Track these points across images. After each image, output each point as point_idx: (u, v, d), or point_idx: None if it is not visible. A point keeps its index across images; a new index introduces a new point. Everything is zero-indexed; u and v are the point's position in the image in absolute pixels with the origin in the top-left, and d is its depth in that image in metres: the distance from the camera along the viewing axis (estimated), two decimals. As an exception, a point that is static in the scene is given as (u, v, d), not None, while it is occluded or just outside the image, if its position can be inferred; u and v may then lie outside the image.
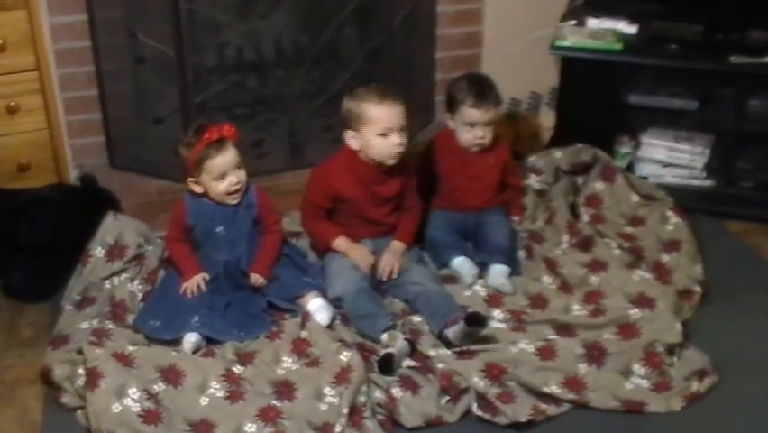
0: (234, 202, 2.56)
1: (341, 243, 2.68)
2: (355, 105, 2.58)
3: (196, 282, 2.54)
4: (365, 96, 2.58)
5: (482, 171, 2.88)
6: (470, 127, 2.82)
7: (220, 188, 2.53)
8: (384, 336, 2.43)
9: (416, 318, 2.55)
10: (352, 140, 2.62)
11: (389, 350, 2.38)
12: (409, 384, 2.32)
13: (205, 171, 2.51)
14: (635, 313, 2.52)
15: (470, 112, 2.79)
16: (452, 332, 2.42)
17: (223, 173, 2.51)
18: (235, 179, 2.53)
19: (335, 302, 2.58)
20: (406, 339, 2.43)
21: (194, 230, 2.60)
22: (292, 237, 2.82)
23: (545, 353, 2.39)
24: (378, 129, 2.56)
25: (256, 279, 2.58)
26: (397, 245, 2.71)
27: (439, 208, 2.89)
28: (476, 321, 2.39)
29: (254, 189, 2.63)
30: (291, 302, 2.59)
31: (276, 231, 2.67)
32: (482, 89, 2.80)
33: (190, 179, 2.55)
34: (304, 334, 2.48)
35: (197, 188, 2.55)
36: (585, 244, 2.84)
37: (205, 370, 2.32)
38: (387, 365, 2.35)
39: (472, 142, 2.83)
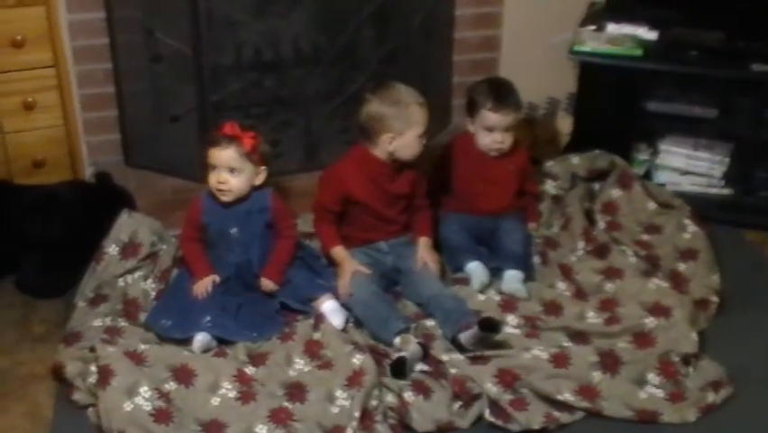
0: (223, 199, 2.57)
1: (338, 252, 2.67)
2: (403, 107, 2.60)
3: (205, 285, 2.53)
4: (411, 98, 2.61)
5: (500, 177, 2.86)
6: (489, 132, 2.80)
7: (210, 178, 2.56)
8: (397, 340, 2.42)
9: (429, 322, 2.54)
10: (389, 143, 2.61)
11: (402, 354, 2.36)
12: (421, 389, 2.31)
13: (207, 156, 2.55)
14: (650, 322, 2.49)
15: (490, 116, 2.78)
16: (465, 337, 2.40)
17: (213, 166, 2.54)
18: (222, 178, 2.54)
19: (347, 307, 2.57)
20: (418, 343, 2.41)
21: (208, 230, 2.60)
22: (306, 239, 2.81)
23: (559, 360, 2.37)
24: (420, 130, 2.60)
25: (266, 285, 2.58)
26: (424, 242, 2.72)
27: (454, 211, 2.88)
28: (490, 326, 2.38)
29: (269, 193, 2.63)
30: (304, 304, 2.58)
31: (289, 236, 2.66)
32: (502, 93, 2.80)
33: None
34: (317, 336, 2.47)
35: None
36: (601, 251, 2.82)
37: (217, 370, 2.31)
38: (399, 369, 2.34)
39: (491, 146, 2.82)
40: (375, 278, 2.63)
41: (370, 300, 2.54)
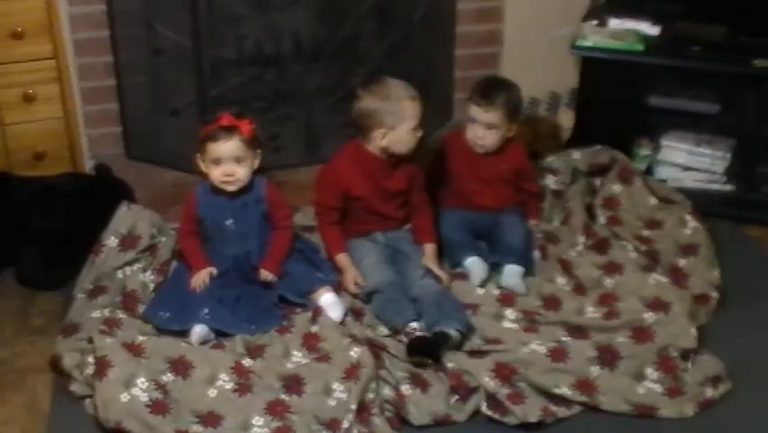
0: (230, 189, 2.56)
1: (341, 259, 2.67)
2: (395, 102, 2.59)
3: (202, 278, 2.53)
4: (402, 92, 2.60)
5: (493, 176, 2.84)
6: (472, 123, 2.80)
7: (214, 173, 2.55)
8: (415, 324, 2.42)
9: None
10: (382, 138, 2.60)
11: (422, 334, 2.37)
12: (419, 382, 2.30)
13: (205, 152, 2.54)
14: (649, 317, 2.48)
15: (472, 107, 2.79)
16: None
17: (218, 159, 2.52)
18: (229, 170, 2.53)
19: (369, 296, 2.57)
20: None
21: (204, 223, 2.60)
22: (305, 232, 2.81)
23: (557, 354, 2.36)
24: (413, 124, 2.60)
25: (265, 276, 2.57)
26: (429, 249, 2.70)
27: (453, 207, 2.87)
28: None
29: (264, 184, 2.62)
30: (302, 297, 2.58)
31: (286, 227, 2.65)
32: (489, 88, 2.78)
33: (198, 155, 2.57)
34: (314, 328, 2.46)
35: (203, 166, 2.58)
36: (601, 246, 2.81)
37: (215, 362, 2.31)
38: (417, 348, 2.34)
39: (472, 139, 2.81)
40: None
41: (393, 286, 2.54)
